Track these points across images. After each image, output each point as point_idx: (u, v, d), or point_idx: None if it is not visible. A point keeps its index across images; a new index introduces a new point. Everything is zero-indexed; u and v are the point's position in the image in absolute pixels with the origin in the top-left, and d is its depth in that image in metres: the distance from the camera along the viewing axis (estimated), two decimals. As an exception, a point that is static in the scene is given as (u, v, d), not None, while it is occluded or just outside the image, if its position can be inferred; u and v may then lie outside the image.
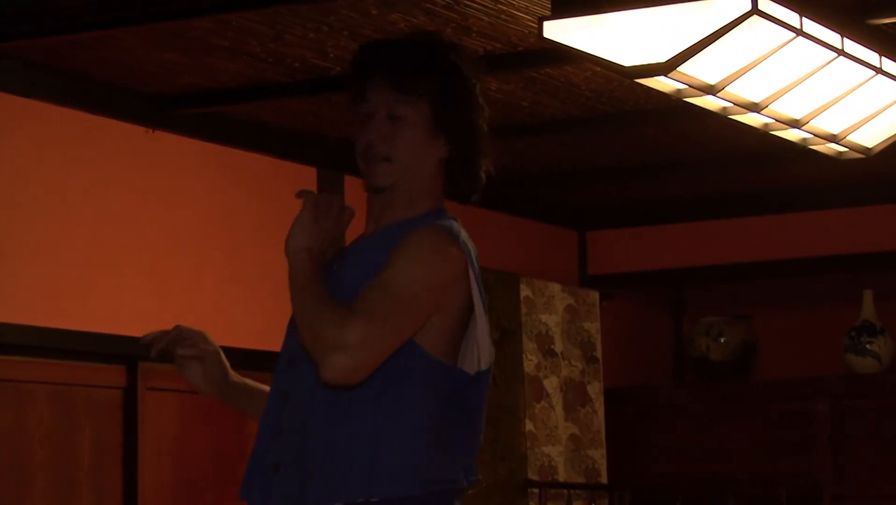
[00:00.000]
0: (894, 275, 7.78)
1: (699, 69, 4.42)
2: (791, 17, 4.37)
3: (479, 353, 2.60)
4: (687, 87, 4.52)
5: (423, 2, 4.83)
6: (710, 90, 4.56)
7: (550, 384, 7.30)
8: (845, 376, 7.81)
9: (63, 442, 5.57)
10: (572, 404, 7.45)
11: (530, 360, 7.18)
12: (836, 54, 4.63)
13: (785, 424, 7.84)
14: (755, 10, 4.17)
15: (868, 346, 7.78)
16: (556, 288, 7.43)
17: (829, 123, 5.08)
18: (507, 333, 7.10)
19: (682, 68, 4.35)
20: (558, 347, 7.41)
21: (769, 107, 4.79)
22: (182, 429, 6.03)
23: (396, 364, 2.52)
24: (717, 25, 4.22)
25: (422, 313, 2.50)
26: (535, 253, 7.83)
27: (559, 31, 4.31)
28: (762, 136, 5.31)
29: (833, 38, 4.59)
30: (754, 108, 4.77)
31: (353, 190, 2.78)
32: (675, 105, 5.40)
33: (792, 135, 5.14)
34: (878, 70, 4.82)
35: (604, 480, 7.55)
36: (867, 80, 4.85)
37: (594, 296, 7.71)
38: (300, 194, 2.61)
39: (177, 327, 2.75)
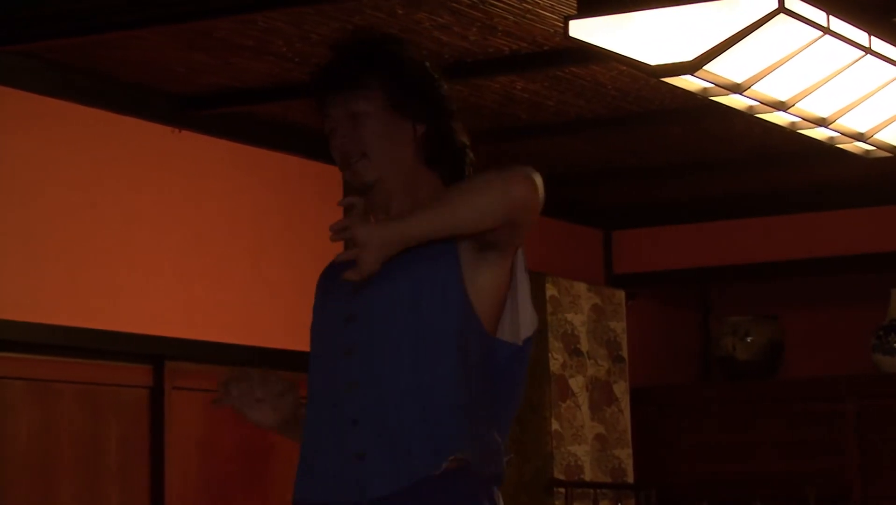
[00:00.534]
0: (922, 274, 7.75)
1: (726, 68, 4.41)
2: (818, 15, 4.35)
3: (522, 321, 2.68)
4: (713, 85, 4.51)
5: (449, 1, 4.82)
6: (737, 89, 4.54)
7: (576, 383, 7.29)
8: (873, 376, 7.78)
9: (90, 441, 5.58)
10: (598, 404, 7.44)
11: (556, 359, 7.17)
12: (863, 52, 4.61)
13: (812, 424, 7.81)
14: (782, 9, 4.16)
15: (896, 345, 7.75)
16: (581, 287, 7.42)
17: (856, 122, 5.06)
18: (534, 336, 7.09)
19: (709, 67, 4.34)
20: (584, 346, 7.39)
21: (796, 105, 4.77)
22: (209, 428, 6.04)
23: (465, 338, 2.59)
24: (744, 24, 4.21)
25: None
26: (560, 252, 7.82)
27: (585, 30, 4.31)
28: (789, 135, 5.29)
29: (860, 36, 4.57)
30: (781, 106, 4.76)
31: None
32: (701, 104, 5.39)
33: (819, 133, 5.13)
34: (906, 68, 4.80)
35: (630, 479, 7.53)
36: (895, 79, 4.83)
37: (620, 295, 7.70)
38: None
39: (251, 371, 2.70)
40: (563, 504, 7.06)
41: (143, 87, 5.67)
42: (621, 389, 7.59)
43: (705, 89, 4.56)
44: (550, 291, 7.18)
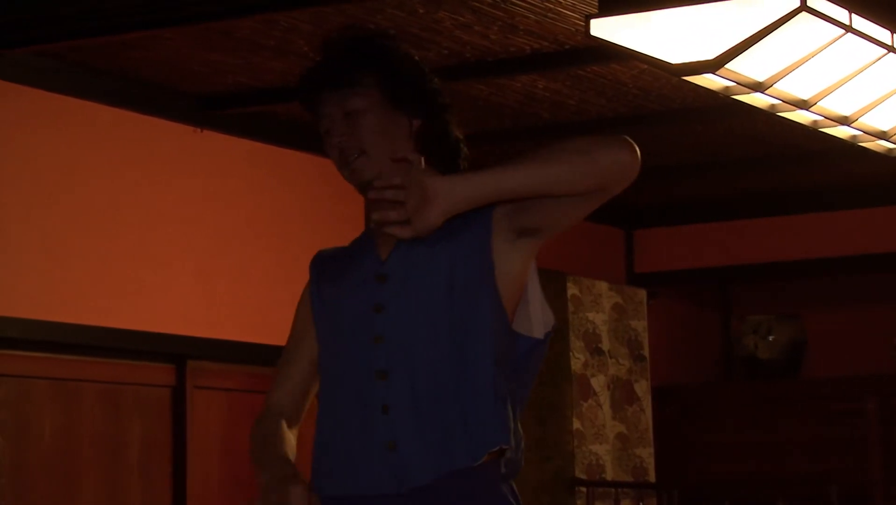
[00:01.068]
0: (945, 273, 7.73)
1: (747, 66, 4.40)
2: (840, 13, 4.34)
3: (540, 315, 2.66)
4: (735, 84, 4.50)
5: (470, 0, 4.82)
6: (759, 87, 4.53)
7: (598, 383, 7.28)
8: (895, 375, 7.76)
9: (112, 440, 5.60)
10: (620, 403, 7.43)
11: (577, 358, 7.16)
12: (885, 51, 4.60)
13: (834, 423, 7.79)
14: (804, 7, 4.15)
15: (918, 344, 7.73)
16: (603, 286, 7.41)
17: (878, 120, 5.05)
18: (554, 332, 7.08)
19: (731, 65, 4.33)
20: (605, 345, 7.39)
21: (818, 104, 4.76)
22: (230, 427, 6.05)
23: (497, 329, 2.58)
24: (766, 22, 4.20)
25: None
26: (582, 251, 7.81)
27: (606, 29, 4.30)
28: (811, 134, 5.28)
29: (882, 34, 4.56)
30: (803, 105, 4.74)
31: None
32: (723, 103, 5.38)
33: (841, 132, 5.11)
34: (929, 66, 4.78)
35: (651, 479, 7.52)
36: (917, 77, 4.81)
37: (641, 294, 7.69)
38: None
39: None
40: (584, 503, 7.05)
41: (165, 86, 5.68)
42: (643, 388, 7.58)
43: (727, 88, 4.55)
44: (572, 290, 7.17)
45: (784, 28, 4.21)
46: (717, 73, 4.36)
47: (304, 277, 2.81)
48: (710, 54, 4.30)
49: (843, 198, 7.78)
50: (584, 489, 7.04)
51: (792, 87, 4.62)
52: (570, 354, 7.11)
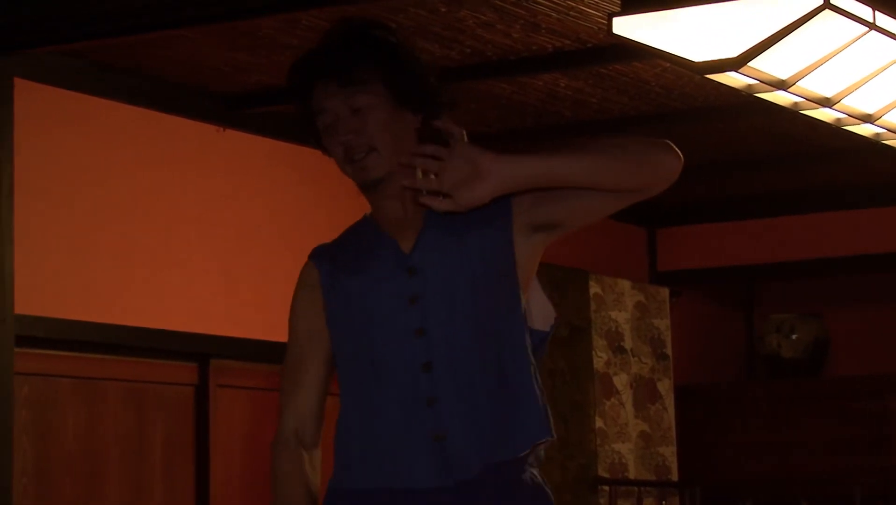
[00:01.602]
0: (969, 271, 7.69)
1: (770, 64, 4.38)
2: (863, 10, 4.32)
3: (546, 310, 2.65)
4: (758, 82, 4.49)
5: (492, -1, 4.82)
6: (782, 85, 4.52)
7: (620, 381, 7.27)
8: (919, 374, 7.73)
9: (136, 438, 5.61)
10: (642, 401, 7.41)
11: (600, 357, 7.15)
12: (909, 48, 4.58)
13: (858, 422, 7.76)
14: (827, 5, 4.13)
15: (942, 343, 7.70)
16: (625, 285, 7.40)
17: (902, 118, 5.03)
18: (576, 330, 7.08)
19: (754, 64, 4.32)
20: (628, 343, 7.37)
21: (841, 101, 4.75)
22: (253, 425, 6.06)
23: (524, 314, 2.59)
24: (789, 20, 4.19)
25: None
26: (604, 250, 7.80)
27: (629, 27, 4.29)
28: (834, 132, 5.26)
29: (906, 31, 4.54)
30: (826, 103, 4.73)
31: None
32: (745, 101, 5.37)
33: (864, 130, 5.10)
34: (953, 64, 4.76)
35: (674, 477, 7.50)
36: (941, 74, 4.79)
37: (664, 293, 7.67)
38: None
39: None
40: (607, 502, 7.04)
41: (188, 86, 5.69)
42: (665, 386, 7.56)
43: (750, 86, 4.54)
44: (594, 288, 7.16)
45: (807, 26, 4.20)
46: (740, 70, 4.35)
47: None
48: (733, 52, 4.29)
49: (867, 196, 7.75)
50: (606, 488, 7.03)
51: (815, 84, 4.61)
52: (593, 352, 7.10)
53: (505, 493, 2.53)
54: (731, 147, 6.93)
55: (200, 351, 5.79)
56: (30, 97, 5.21)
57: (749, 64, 4.30)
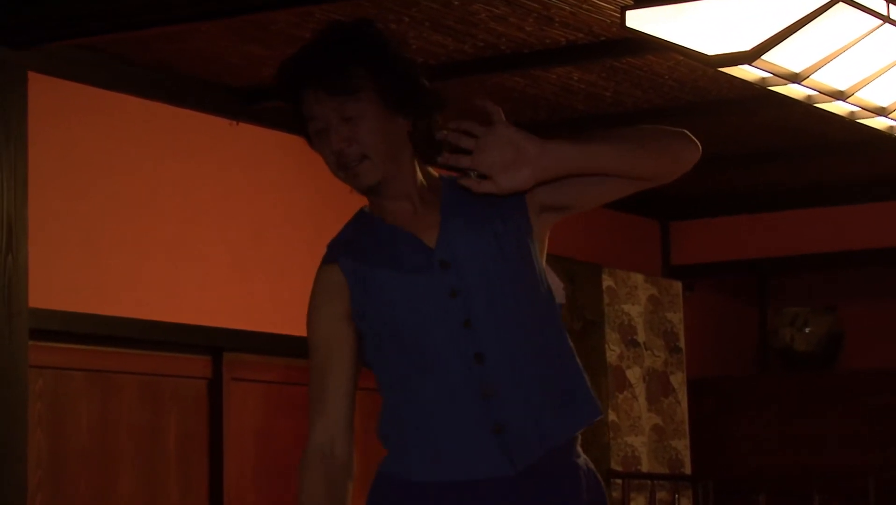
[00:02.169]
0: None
1: (784, 57, 4.38)
2: (877, 3, 4.32)
3: (555, 284, 2.66)
4: (771, 75, 4.48)
5: (505, -8, 4.82)
6: (795, 78, 4.51)
7: (633, 374, 7.26)
8: (933, 367, 7.72)
9: (150, 431, 5.62)
10: (655, 395, 7.41)
11: (613, 350, 7.15)
12: (923, 41, 4.56)
13: (872, 416, 7.75)
14: (841, -3, 4.13)
15: (956, 336, 7.69)
16: (638, 278, 7.39)
17: (916, 111, 5.02)
18: (589, 324, 7.08)
19: (767, 56, 4.31)
20: (641, 337, 7.37)
21: (855, 94, 4.74)
22: (266, 418, 6.07)
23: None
24: (803, 13, 4.18)
25: None
26: (617, 243, 7.80)
27: (642, 20, 4.29)
28: (848, 125, 5.25)
29: (920, 24, 4.52)
30: (840, 96, 4.72)
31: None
32: (759, 94, 5.36)
33: (878, 123, 5.08)
34: (967, 57, 4.74)
35: (687, 470, 7.50)
36: (955, 67, 4.78)
37: (677, 286, 7.67)
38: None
39: None
40: (620, 495, 7.04)
41: (202, 79, 5.69)
42: (678, 379, 7.56)
43: (763, 79, 4.53)
44: (607, 281, 7.16)
45: (821, 19, 4.19)
46: (753, 64, 4.34)
47: None
48: (746, 45, 4.28)
49: (881, 189, 7.73)
50: (619, 481, 7.03)
51: (829, 78, 4.60)
52: (606, 345, 7.10)
53: (563, 477, 2.55)
54: (744, 140, 6.92)
55: (214, 344, 5.80)
56: (44, 91, 5.22)
57: (762, 57, 4.30)
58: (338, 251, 2.67)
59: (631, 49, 5.33)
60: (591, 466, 2.63)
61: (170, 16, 4.79)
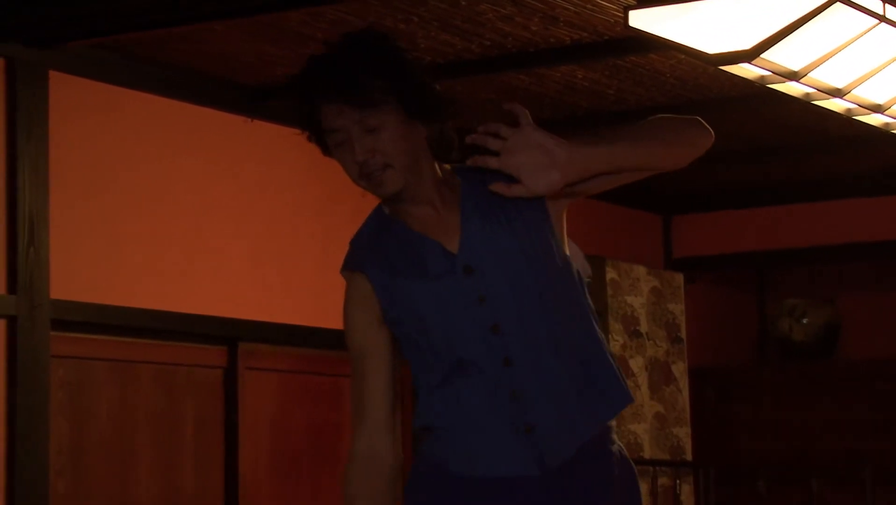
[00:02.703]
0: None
1: (783, 56, 4.36)
2: (874, 3, 4.30)
3: (581, 264, 2.71)
4: (770, 73, 4.46)
5: (512, -7, 4.80)
6: (794, 76, 4.49)
7: (636, 364, 7.25)
8: (928, 357, 7.70)
9: (167, 419, 5.62)
10: (657, 383, 7.39)
11: (616, 340, 7.13)
12: (918, 40, 4.54)
13: (868, 404, 7.73)
14: (838, -3, 4.11)
15: (950, 327, 7.66)
16: (641, 270, 7.37)
17: (911, 108, 4.99)
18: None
19: (766, 55, 4.29)
20: (643, 327, 7.35)
21: (852, 92, 4.72)
22: (280, 406, 6.06)
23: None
24: (801, 12, 4.16)
25: None
26: (620, 236, 7.78)
27: (644, 19, 4.27)
28: (845, 121, 5.23)
29: (916, 23, 4.50)
30: (837, 93, 4.70)
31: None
32: (758, 92, 5.34)
33: (874, 119, 5.07)
34: (961, 55, 4.72)
35: (688, 457, 7.49)
36: (950, 65, 4.76)
37: (679, 278, 7.65)
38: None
39: None
40: (623, 481, 7.02)
41: (217, 77, 5.68)
42: (680, 369, 7.54)
43: (763, 77, 4.51)
44: (611, 274, 7.14)
45: (819, 18, 4.17)
46: (753, 62, 4.32)
47: None
48: (746, 44, 4.26)
49: (877, 184, 7.71)
50: (622, 467, 7.01)
51: (826, 75, 4.58)
52: (609, 336, 7.08)
53: (595, 468, 2.55)
54: (744, 137, 6.90)
55: (229, 334, 5.79)
56: (64, 89, 5.22)
57: (762, 55, 4.28)
58: (363, 260, 2.63)
59: (634, 48, 5.31)
60: (625, 452, 2.62)
61: (185, 16, 4.79)
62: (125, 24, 4.88)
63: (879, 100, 4.86)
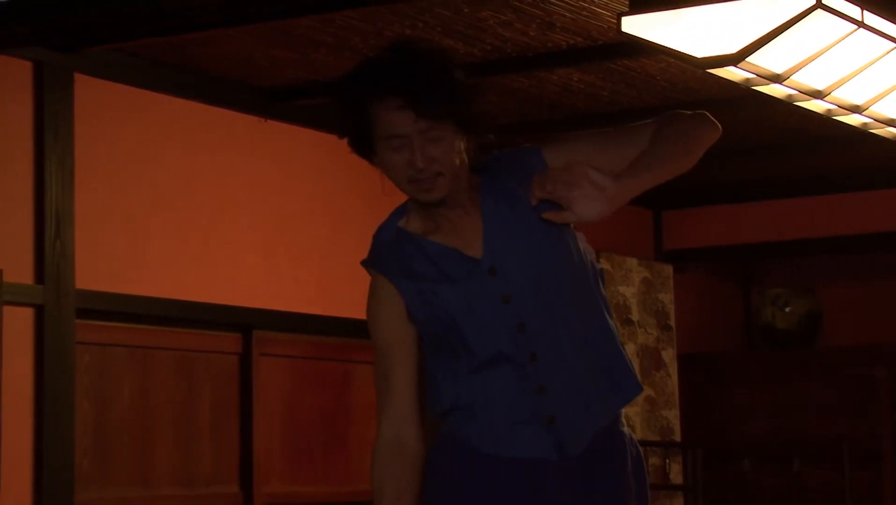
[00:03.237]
0: (950, 249, 7.66)
1: (767, 59, 4.37)
2: (853, 10, 4.31)
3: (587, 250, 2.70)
4: (755, 76, 4.48)
5: (512, 0, 4.81)
6: (777, 79, 4.51)
7: (628, 350, 7.25)
8: (904, 344, 7.71)
9: (185, 403, 5.63)
10: (648, 369, 7.41)
11: (610, 328, 7.15)
12: (895, 44, 4.56)
13: (847, 389, 7.75)
14: (819, 5, 4.12)
15: (925, 315, 7.67)
16: (632, 262, 7.39)
17: (888, 109, 5.01)
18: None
19: (751, 59, 4.31)
20: (635, 316, 7.37)
21: (832, 94, 4.73)
22: (293, 391, 6.08)
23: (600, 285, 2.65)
24: (784, 19, 4.18)
25: None
26: (613, 230, 7.79)
27: (637, 25, 4.28)
28: (825, 122, 5.24)
29: (892, 29, 4.52)
30: (818, 95, 4.72)
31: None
32: (744, 93, 5.35)
33: (853, 120, 5.08)
34: (935, 59, 4.74)
35: (677, 438, 7.51)
36: (924, 69, 4.77)
37: (668, 269, 7.67)
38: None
39: None
40: (616, 461, 7.04)
41: (232, 80, 5.70)
42: (669, 355, 7.56)
43: (748, 80, 4.53)
44: (604, 265, 7.14)
45: (800, 24, 4.19)
46: (738, 66, 4.34)
47: (360, 254, 2.74)
48: (732, 49, 4.28)
49: (855, 181, 7.73)
50: (615, 448, 7.03)
51: (808, 78, 4.59)
52: (603, 324, 7.09)
53: (612, 454, 2.59)
54: (731, 136, 6.85)
55: (244, 322, 5.80)
56: (89, 91, 5.23)
57: (747, 59, 4.29)
58: (386, 268, 2.63)
59: (626, 52, 5.32)
60: (632, 434, 2.66)
61: (203, 22, 4.80)
62: (146, 29, 4.89)
63: (858, 101, 4.88)
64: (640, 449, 2.68)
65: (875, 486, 7.59)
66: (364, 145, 2.61)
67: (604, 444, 2.59)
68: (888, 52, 4.58)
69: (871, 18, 4.39)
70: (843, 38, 4.40)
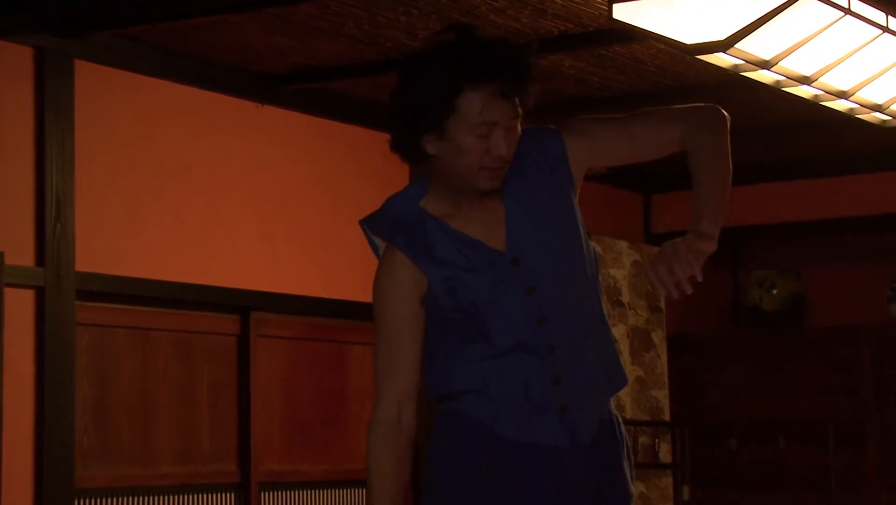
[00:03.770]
0: (933, 233, 7.66)
1: (755, 46, 4.36)
2: (840, -3, 4.30)
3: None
4: (743, 62, 4.47)
5: (504, -13, 4.80)
6: (765, 65, 4.50)
7: (618, 332, 7.26)
8: (888, 325, 7.71)
9: (184, 383, 5.63)
10: (638, 350, 7.41)
11: (600, 310, 7.15)
12: (880, 31, 4.55)
13: (832, 369, 7.75)
14: (806, -9, 4.11)
15: (909, 297, 7.67)
16: (623, 245, 7.38)
17: (874, 94, 5.00)
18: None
19: (740, 45, 4.29)
20: (625, 298, 7.36)
21: (819, 80, 4.72)
22: (290, 372, 6.08)
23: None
24: (772, 5, 4.16)
25: None
26: (605, 214, 7.79)
27: (627, 12, 4.27)
28: (812, 107, 5.23)
29: (878, 16, 4.51)
30: (805, 81, 4.71)
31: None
32: (732, 79, 5.34)
33: (840, 105, 5.07)
34: (920, 45, 4.72)
35: (666, 417, 7.51)
36: (910, 55, 4.76)
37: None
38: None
39: None
40: (606, 439, 7.04)
41: (230, 66, 5.68)
42: (659, 336, 7.56)
43: (736, 66, 4.52)
44: (595, 248, 7.15)
45: (788, 11, 4.18)
46: (727, 52, 4.33)
47: (357, 237, 2.70)
48: (721, 35, 4.27)
49: (841, 165, 7.72)
50: (605, 427, 7.03)
51: (795, 64, 4.58)
52: (594, 306, 7.09)
53: (610, 439, 2.61)
54: (718, 121, 6.89)
55: (242, 304, 5.79)
56: (89, 77, 5.21)
57: (736, 46, 4.28)
58: (409, 246, 2.54)
59: (617, 39, 5.31)
60: (616, 414, 2.66)
61: (203, 9, 4.78)
62: (146, 15, 4.87)
63: (844, 87, 4.87)
64: (624, 432, 2.67)
65: (859, 464, 7.60)
66: (421, 135, 2.52)
67: (604, 431, 2.60)
68: (874, 39, 4.57)
69: (858, 5, 4.38)
70: (830, 25, 4.38)
